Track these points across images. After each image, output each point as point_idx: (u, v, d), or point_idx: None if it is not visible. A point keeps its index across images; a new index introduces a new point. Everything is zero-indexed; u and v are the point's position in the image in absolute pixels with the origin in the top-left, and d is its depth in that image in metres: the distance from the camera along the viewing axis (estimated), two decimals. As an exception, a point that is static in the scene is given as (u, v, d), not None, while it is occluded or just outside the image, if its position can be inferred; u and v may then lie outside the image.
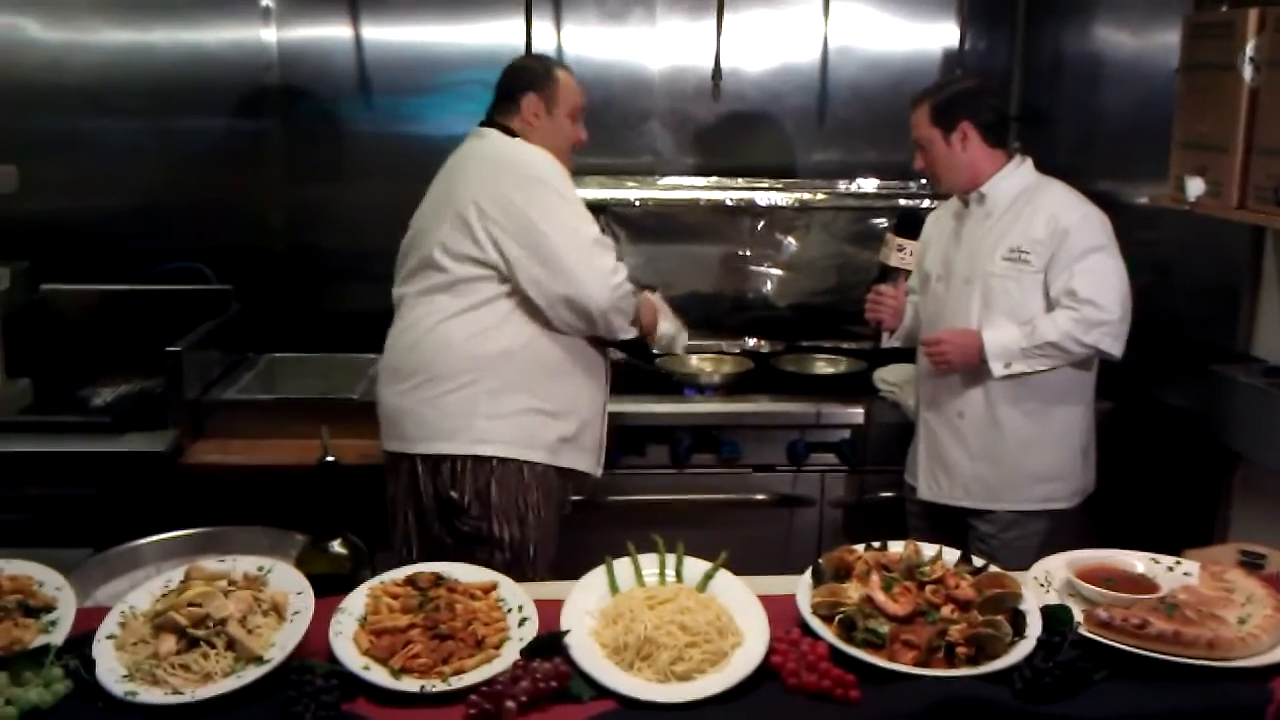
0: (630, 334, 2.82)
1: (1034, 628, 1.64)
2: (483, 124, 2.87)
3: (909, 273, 3.04)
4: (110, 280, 3.70)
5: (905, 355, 3.28)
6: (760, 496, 3.43)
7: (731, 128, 4.02)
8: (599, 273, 2.68)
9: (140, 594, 1.71)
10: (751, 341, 3.98)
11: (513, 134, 2.81)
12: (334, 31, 3.85)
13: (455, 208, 2.71)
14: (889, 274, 3.00)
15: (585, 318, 2.70)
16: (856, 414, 3.40)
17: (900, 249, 2.95)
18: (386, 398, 2.82)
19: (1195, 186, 2.83)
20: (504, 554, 2.71)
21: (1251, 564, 2.12)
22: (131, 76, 3.77)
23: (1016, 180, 2.95)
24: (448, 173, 2.85)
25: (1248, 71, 2.68)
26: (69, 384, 3.45)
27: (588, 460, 2.87)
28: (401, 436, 2.78)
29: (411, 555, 2.79)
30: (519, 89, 2.83)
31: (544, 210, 2.66)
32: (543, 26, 3.85)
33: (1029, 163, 2.99)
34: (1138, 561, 1.87)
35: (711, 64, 3.70)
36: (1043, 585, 1.80)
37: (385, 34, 3.86)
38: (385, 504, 2.86)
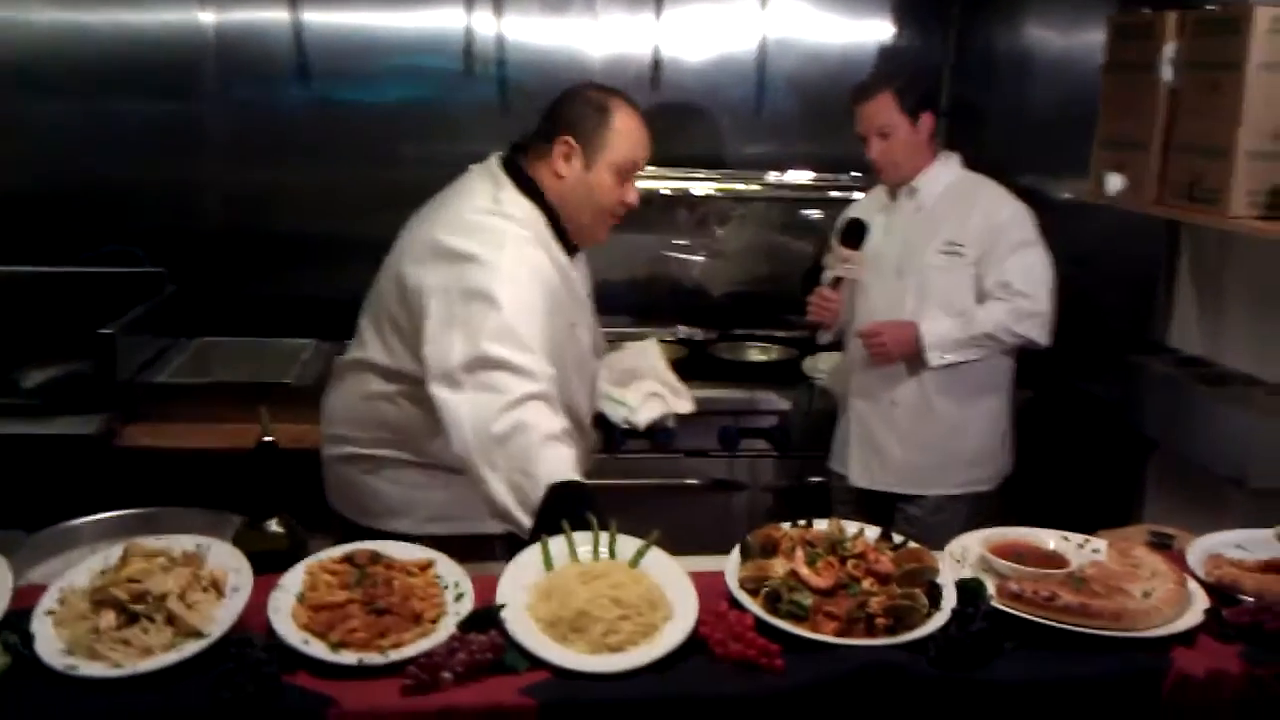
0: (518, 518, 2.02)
1: (949, 600, 1.70)
2: (504, 156, 2.40)
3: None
4: (43, 262, 3.66)
5: (835, 345, 3.35)
6: (693, 481, 3.50)
7: (670, 118, 4.06)
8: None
9: (79, 571, 1.71)
10: (685, 329, 4.05)
11: (522, 177, 2.33)
12: (272, 14, 3.84)
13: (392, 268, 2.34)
14: (824, 276, 3.07)
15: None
16: (786, 401, 3.47)
17: (846, 260, 3.01)
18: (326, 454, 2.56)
19: (1115, 182, 2.93)
20: None
21: (1160, 544, 2.20)
22: (67, 57, 3.74)
23: (946, 174, 3.04)
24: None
25: (1167, 72, 2.79)
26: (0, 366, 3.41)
27: None
28: (349, 504, 2.51)
29: None
30: (558, 126, 2.32)
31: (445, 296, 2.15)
32: (483, 15, 3.86)
33: (956, 157, 3.07)
34: (1049, 539, 1.95)
35: (650, 54, 3.75)
36: (958, 560, 1.88)
37: (324, 18, 3.86)
38: None
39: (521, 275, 2.18)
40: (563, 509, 1.88)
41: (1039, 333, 2.92)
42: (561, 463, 2.01)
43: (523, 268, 2.20)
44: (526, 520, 1.97)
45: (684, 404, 2.63)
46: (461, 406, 2.05)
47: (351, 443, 2.47)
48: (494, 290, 2.11)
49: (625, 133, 2.32)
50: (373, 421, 2.42)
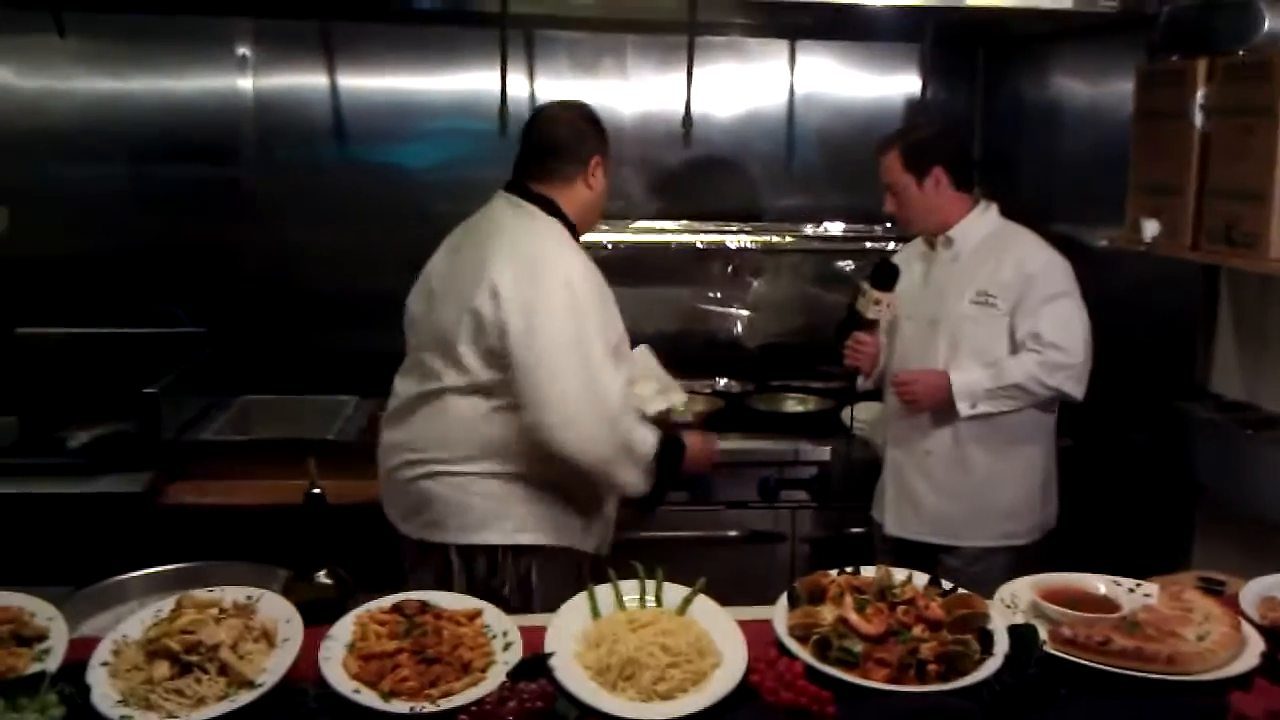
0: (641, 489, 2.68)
1: (1001, 645, 1.69)
2: (522, 192, 2.69)
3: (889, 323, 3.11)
4: (86, 324, 3.71)
5: (874, 394, 3.35)
6: (733, 533, 3.48)
7: (701, 173, 4.12)
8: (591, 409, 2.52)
9: (132, 623, 1.74)
10: (723, 382, 4.05)
11: (553, 208, 2.65)
12: (310, 80, 3.92)
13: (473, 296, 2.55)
14: (858, 320, 3.07)
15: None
16: (825, 451, 3.46)
17: (877, 302, 3.01)
18: (396, 475, 2.69)
19: (1151, 228, 2.93)
20: None
21: (1211, 589, 2.18)
22: (110, 124, 3.82)
23: (983, 225, 3.04)
24: (474, 241, 2.69)
25: (1198, 118, 2.80)
26: (46, 426, 3.45)
27: (598, 540, 2.77)
28: (433, 524, 2.63)
29: None
30: (585, 147, 2.69)
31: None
32: (517, 78, 3.93)
33: (994, 208, 3.08)
34: (1100, 584, 1.94)
35: (681, 111, 3.80)
36: (1009, 606, 1.86)
37: (361, 83, 3.94)
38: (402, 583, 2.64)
39: (594, 283, 2.60)
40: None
41: (1071, 385, 2.90)
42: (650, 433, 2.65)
43: (591, 279, 2.60)
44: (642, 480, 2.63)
45: (678, 395, 3.06)
46: None
47: (440, 462, 2.62)
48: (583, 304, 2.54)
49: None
50: (463, 440, 2.60)
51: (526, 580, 2.62)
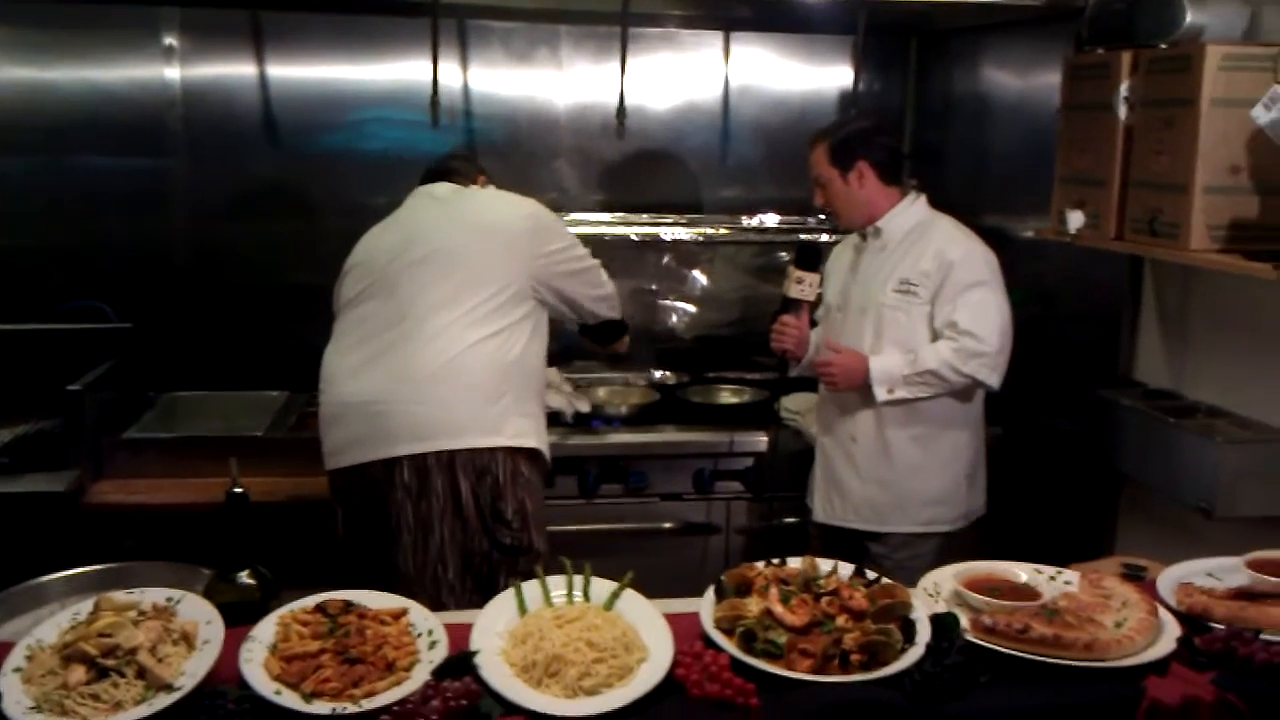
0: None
1: (923, 635, 1.71)
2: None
3: (813, 303, 3.14)
4: (8, 319, 3.63)
5: (808, 384, 3.37)
6: (668, 525, 3.49)
7: (637, 165, 4.11)
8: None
9: (47, 627, 1.70)
10: (658, 373, 4.06)
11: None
12: (238, 70, 3.85)
13: (502, 240, 2.87)
14: (791, 305, 3.11)
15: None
16: (760, 442, 3.47)
17: (799, 281, 3.05)
18: (405, 405, 2.72)
19: (1075, 219, 2.97)
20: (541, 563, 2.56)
21: (1133, 575, 2.22)
22: (32, 114, 3.73)
23: (910, 216, 3.07)
24: (460, 204, 2.96)
25: (1122, 110, 2.84)
26: (-34, 425, 3.38)
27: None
28: (436, 436, 2.70)
29: (446, 573, 2.73)
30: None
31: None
32: (449, 68, 3.90)
33: (923, 199, 3.11)
34: (1021, 571, 1.96)
35: (616, 103, 3.79)
36: (932, 595, 1.88)
37: (290, 73, 3.88)
38: (392, 528, 2.74)
39: None
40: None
41: (986, 374, 2.92)
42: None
43: None
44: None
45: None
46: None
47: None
48: None
49: None
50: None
51: (523, 504, 2.77)
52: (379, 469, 2.71)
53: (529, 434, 2.79)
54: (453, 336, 2.73)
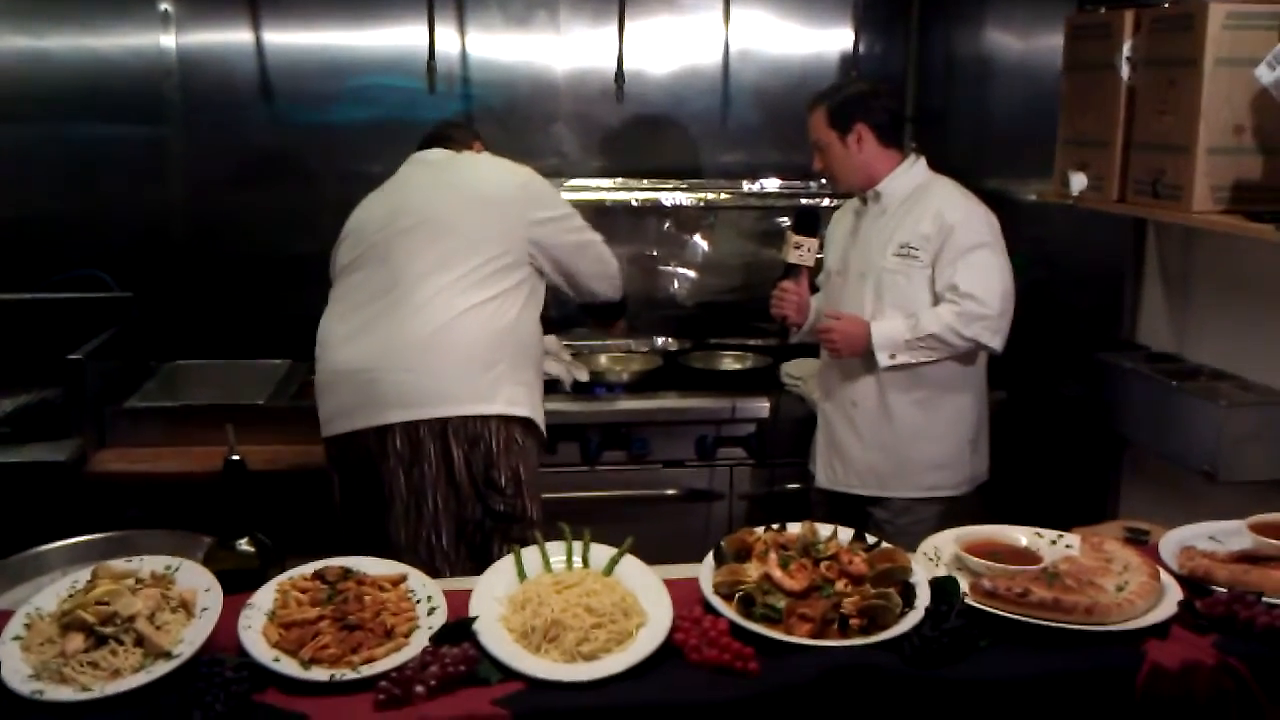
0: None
1: (923, 599, 1.71)
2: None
3: (813, 269, 3.13)
4: (9, 289, 3.63)
5: (810, 350, 3.36)
6: (670, 491, 3.49)
7: (636, 130, 4.08)
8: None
9: (46, 595, 1.70)
10: (660, 340, 4.05)
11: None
12: (234, 36, 3.83)
13: (498, 208, 2.84)
14: (791, 271, 3.09)
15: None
16: (763, 408, 3.47)
17: (798, 246, 3.04)
18: (394, 373, 2.70)
19: (1078, 181, 2.95)
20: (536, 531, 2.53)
21: (1135, 539, 2.22)
22: (28, 83, 3.71)
23: (909, 179, 3.04)
24: (452, 170, 2.96)
25: (1125, 70, 2.81)
26: (-33, 395, 3.38)
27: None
28: (427, 404, 2.69)
29: (440, 541, 2.73)
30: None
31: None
32: (446, 33, 3.86)
33: (922, 162, 3.08)
34: (1022, 536, 1.96)
35: (615, 67, 3.75)
36: (932, 560, 1.88)
37: (286, 39, 3.85)
38: (386, 496, 2.73)
39: None
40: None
41: (988, 336, 2.91)
42: None
43: None
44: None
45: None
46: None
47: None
48: None
49: None
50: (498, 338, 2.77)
51: (517, 471, 2.75)
52: (372, 437, 2.70)
53: (522, 402, 2.77)
54: (443, 303, 2.71)
